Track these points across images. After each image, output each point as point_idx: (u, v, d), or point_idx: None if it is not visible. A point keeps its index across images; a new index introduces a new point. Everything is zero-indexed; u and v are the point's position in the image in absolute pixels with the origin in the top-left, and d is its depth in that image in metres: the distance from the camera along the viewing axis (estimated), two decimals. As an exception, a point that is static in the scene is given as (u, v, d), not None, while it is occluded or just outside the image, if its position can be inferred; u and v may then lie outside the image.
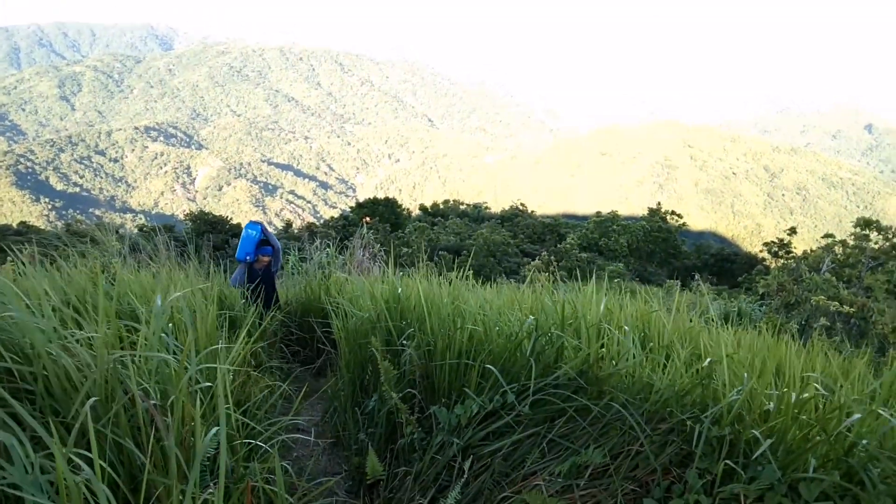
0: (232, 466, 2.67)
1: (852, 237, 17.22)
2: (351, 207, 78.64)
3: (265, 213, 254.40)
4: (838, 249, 17.42)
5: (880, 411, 2.49)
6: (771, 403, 2.74)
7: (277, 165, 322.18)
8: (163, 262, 6.90)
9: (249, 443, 2.98)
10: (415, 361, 3.95)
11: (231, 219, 59.48)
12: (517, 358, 3.56)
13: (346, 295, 5.58)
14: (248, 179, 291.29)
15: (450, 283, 4.73)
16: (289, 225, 75.51)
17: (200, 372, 2.97)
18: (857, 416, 2.36)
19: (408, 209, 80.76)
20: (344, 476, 4.11)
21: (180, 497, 2.04)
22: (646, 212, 64.32)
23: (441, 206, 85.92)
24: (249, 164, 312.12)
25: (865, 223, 16.48)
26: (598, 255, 52.70)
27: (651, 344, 3.70)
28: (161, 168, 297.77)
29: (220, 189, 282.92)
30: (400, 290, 4.70)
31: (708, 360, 3.00)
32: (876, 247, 16.35)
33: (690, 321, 4.71)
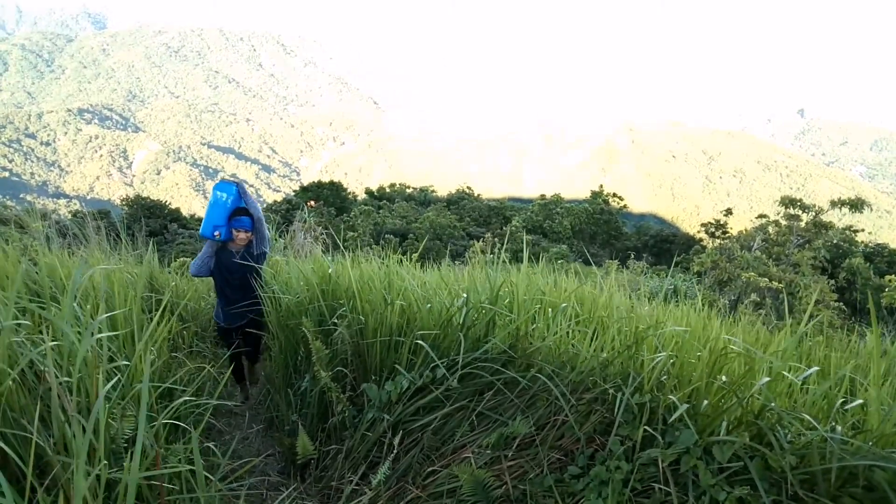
0: (153, 447, 2.60)
1: (783, 217, 17.86)
2: (295, 191, 77.31)
3: (206, 197, 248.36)
4: (771, 229, 18.07)
5: (786, 373, 2.59)
6: (693, 373, 2.83)
7: (218, 148, 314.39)
8: (93, 246, 6.65)
9: (173, 425, 2.91)
10: (346, 340, 3.92)
11: (170, 203, 57.85)
12: (448, 333, 3.57)
13: (280, 278, 5.50)
14: (187, 163, 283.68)
15: (382, 263, 4.71)
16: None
17: (119, 351, 2.88)
18: (765, 379, 2.44)
19: (353, 193, 79.95)
20: (276, 457, 4.08)
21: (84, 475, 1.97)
22: (589, 195, 65.32)
23: (387, 190, 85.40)
24: (189, 147, 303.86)
25: (789, 201, 17.12)
26: (542, 237, 53.31)
27: (582, 317, 3.76)
28: (96, 152, 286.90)
29: (158, 173, 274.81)
30: (331, 270, 4.65)
31: (634, 330, 3.06)
32: (803, 226, 17.01)
33: (626, 297, 4.81)
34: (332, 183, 69.99)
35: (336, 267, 4.71)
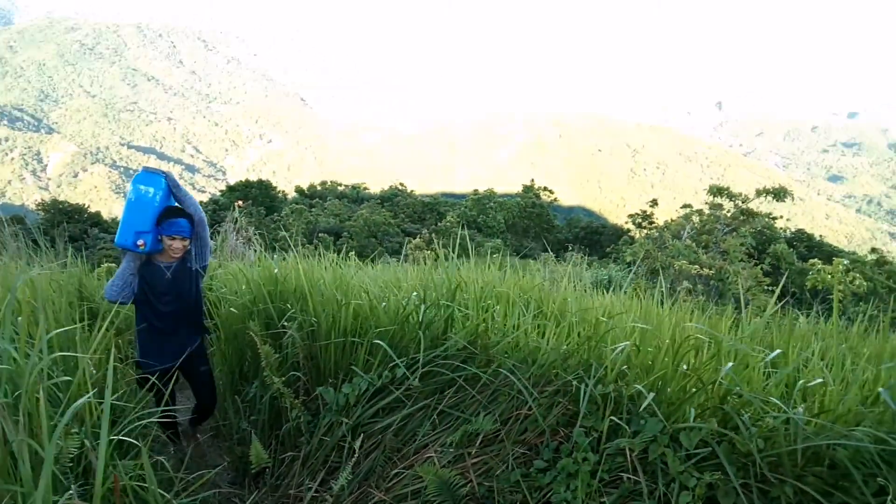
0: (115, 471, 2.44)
1: (707, 206, 18.54)
2: (222, 191, 75.35)
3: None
4: (695, 218, 18.71)
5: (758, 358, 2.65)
6: (652, 359, 2.85)
7: (139, 149, 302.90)
8: (11, 254, 6.24)
9: (118, 440, 2.74)
10: (298, 343, 3.81)
11: (89, 207, 55.47)
12: (405, 332, 3.51)
13: (219, 281, 5.30)
14: (106, 165, 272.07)
15: (331, 263, 4.60)
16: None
17: (55, 366, 2.69)
18: (729, 364, 2.48)
19: (283, 191, 78.62)
20: (226, 467, 3.92)
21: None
22: (521, 189, 66.20)
23: (318, 188, 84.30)
24: (108, 148, 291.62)
25: (717, 190, 17.83)
26: (477, 231, 53.72)
27: (538, 311, 3.76)
28: (7, 154, 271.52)
29: (75, 176, 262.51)
30: (277, 271, 4.51)
31: (594, 321, 3.07)
32: (728, 214, 17.69)
33: (574, 289, 4.85)
34: (260, 182, 68.58)
35: (282, 268, 4.56)
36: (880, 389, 2.29)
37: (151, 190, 3.70)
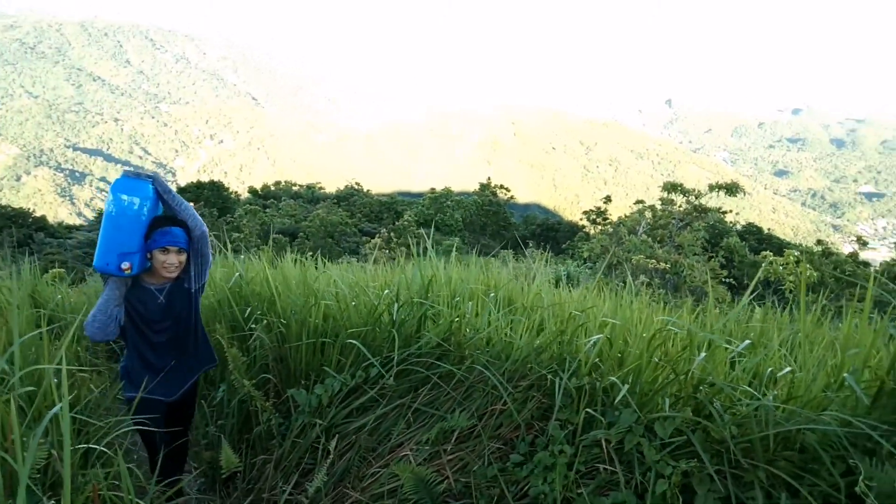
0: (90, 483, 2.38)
1: (660, 201, 18.93)
2: (173, 193, 73.67)
3: (73, 203, 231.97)
4: (648, 214, 19.09)
5: (726, 345, 2.72)
6: (627, 349, 2.90)
7: (85, 150, 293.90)
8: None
9: (88, 448, 2.66)
10: (266, 345, 3.76)
11: (34, 211, 53.70)
12: (378, 331, 3.50)
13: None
14: (50, 167, 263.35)
15: (295, 263, 4.55)
16: (101, 214, 69.43)
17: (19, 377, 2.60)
18: (703, 355, 2.54)
19: (236, 192, 77.28)
20: (196, 473, 3.85)
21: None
22: (477, 187, 66.46)
23: (272, 188, 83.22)
24: (52, 150, 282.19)
25: (672, 186, 18.28)
26: (435, 230, 53.69)
27: (509, 306, 3.79)
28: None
29: (18, 179, 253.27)
30: (240, 273, 4.44)
31: (568, 315, 3.11)
32: (681, 209, 18.09)
33: (544, 285, 4.89)
34: (212, 183, 67.34)
35: (247, 268, 4.49)
36: (845, 374, 2.37)
37: (136, 200, 2.96)
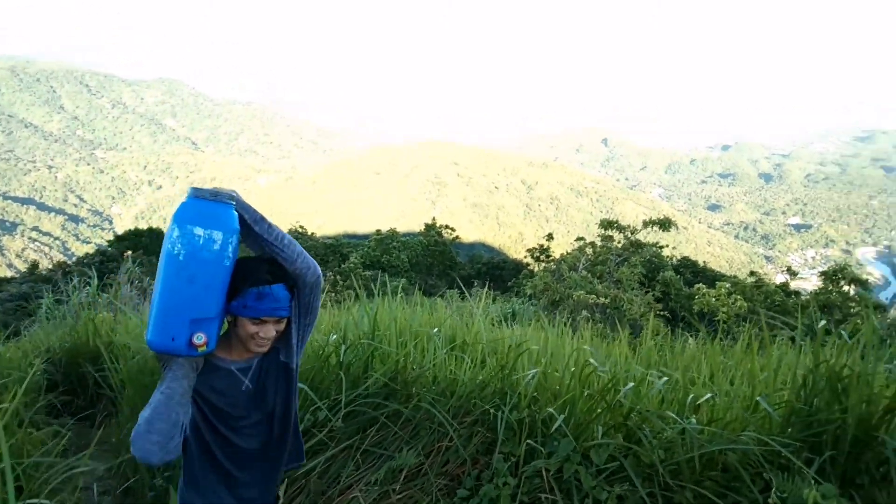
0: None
1: (599, 238, 19.53)
2: (109, 241, 71.58)
3: (3, 254, 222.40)
4: (589, 250, 19.64)
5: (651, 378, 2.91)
6: (561, 384, 3.07)
7: (15, 199, 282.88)
8: None
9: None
10: (214, 392, 3.77)
11: (-40, 263, 51.38)
12: (325, 373, 3.57)
13: (126, 332, 5.14)
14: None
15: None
16: (35, 266, 66.77)
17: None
18: (630, 385, 2.72)
19: (176, 239, 75.41)
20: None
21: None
22: (422, 227, 66.68)
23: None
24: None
25: (607, 223, 18.92)
26: (381, 271, 53.56)
27: (452, 344, 3.91)
28: None
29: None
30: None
31: (507, 350, 3.26)
32: (619, 245, 18.68)
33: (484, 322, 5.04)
34: (150, 230, 65.74)
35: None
36: (758, 398, 2.59)
37: (218, 236, 1.91)
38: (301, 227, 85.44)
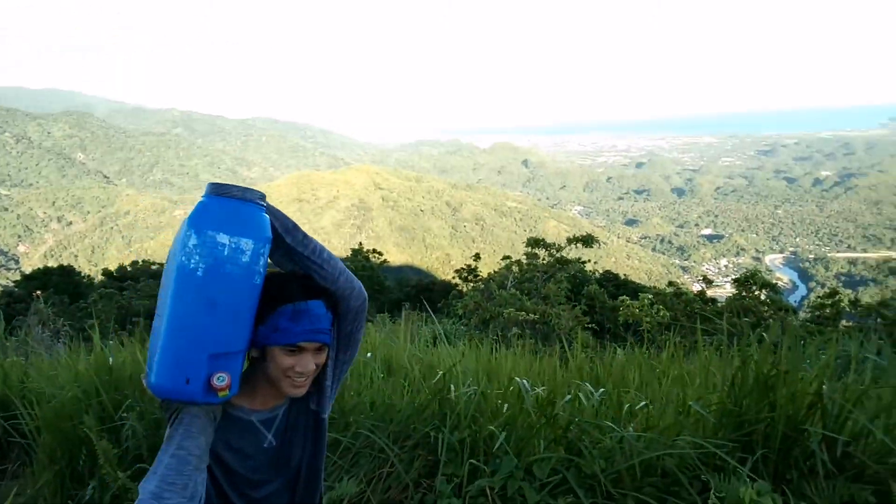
0: None
1: (525, 256, 19.89)
2: (16, 282, 67.75)
3: None
4: (515, 268, 19.96)
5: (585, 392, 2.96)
6: (502, 402, 3.08)
7: None
8: None
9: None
10: (140, 434, 3.61)
11: None
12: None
13: (40, 375, 4.85)
14: None
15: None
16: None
17: None
18: (568, 397, 2.76)
19: (88, 276, 72.22)
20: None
21: None
22: (349, 253, 66.22)
23: (129, 269, 78.45)
24: None
25: (534, 242, 19.36)
26: (308, 300, 52.72)
27: (387, 368, 3.88)
28: None
29: None
30: (111, 359, 4.25)
31: (440, 373, 3.25)
32: (545, 262, 19.07)
33: (418, 344, 5.03)
34: (61, 268, 62.58)
35: (117, 356, 4.30)
36: (690, 402, 2.67)
37: (248, 245, 1.49)
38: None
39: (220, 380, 1.45)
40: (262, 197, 1.55)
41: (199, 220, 1.46)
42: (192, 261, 1.43)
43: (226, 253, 1.44)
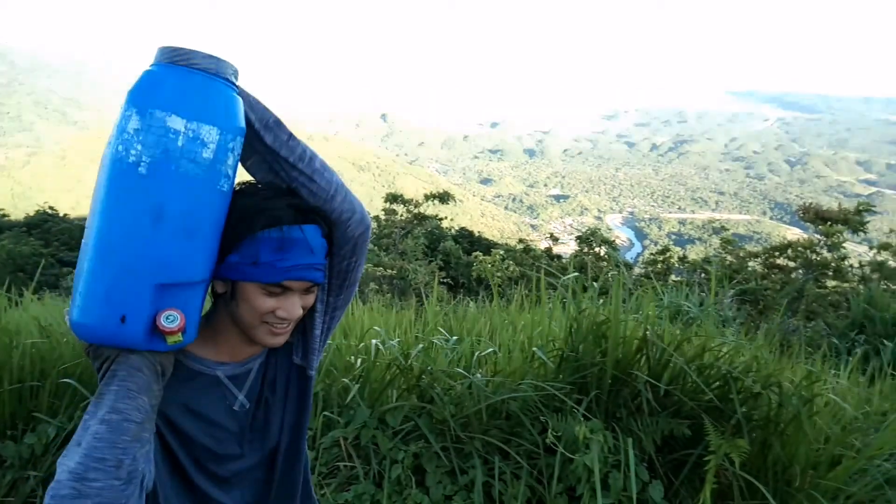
0: None
1: (384, 212, 19.97)
2: None
3: None
4: (373, 224, 20.01)
5: (435, 340, 3.05)
6: (354, 357, 3.11)
7: None
8: None
9: None
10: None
11: None
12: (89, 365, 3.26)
13: None
14: None
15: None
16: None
17: None
18: (420, 346, 2.84)
19: None
20: None
21: None
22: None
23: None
24: None
25: (393, 197, 19.49)
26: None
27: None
28: None
29: None
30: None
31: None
32: (403, 218, 19.26)
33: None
34: None
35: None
36: (534, 348, 2.84)
37: (212, 135, 1.02)
38: (51, 207, 76.28)
39: (170, 319, 1.02)
40: (236, 73, 1.09)
41: (144, 95, 0.99)
42: (133, 152, 0.97)
43: (180, 143, 0.98)
